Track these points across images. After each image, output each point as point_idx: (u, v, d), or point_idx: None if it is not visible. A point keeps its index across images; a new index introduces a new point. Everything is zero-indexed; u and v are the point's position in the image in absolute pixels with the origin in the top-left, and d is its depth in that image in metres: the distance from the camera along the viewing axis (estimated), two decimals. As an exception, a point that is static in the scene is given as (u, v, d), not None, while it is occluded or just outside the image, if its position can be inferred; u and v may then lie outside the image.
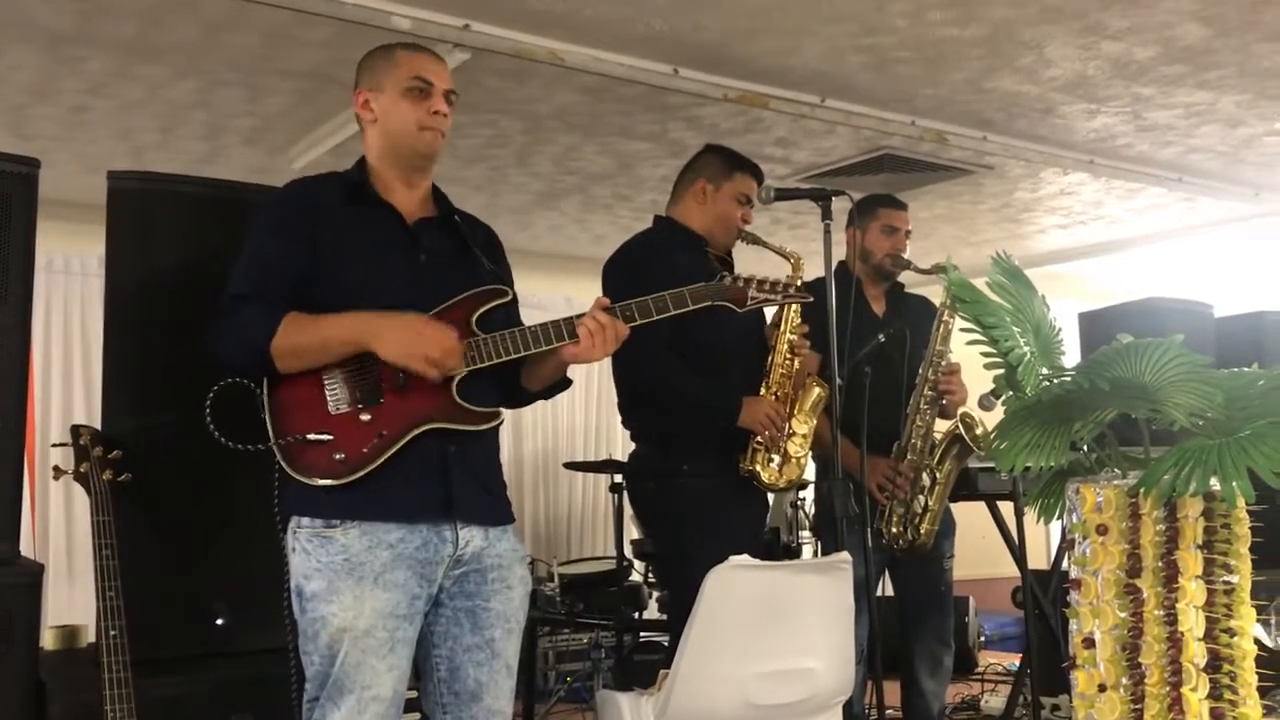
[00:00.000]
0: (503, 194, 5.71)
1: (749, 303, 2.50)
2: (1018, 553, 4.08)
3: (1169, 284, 7.05)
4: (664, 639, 4.76)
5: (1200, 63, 4.00)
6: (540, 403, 2.60)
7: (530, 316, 2.46)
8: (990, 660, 6.14)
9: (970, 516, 3.94)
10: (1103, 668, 2.31)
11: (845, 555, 2.74)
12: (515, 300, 2.46)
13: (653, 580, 5.21)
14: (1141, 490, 2.13)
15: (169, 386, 2.76)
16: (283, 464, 2.19)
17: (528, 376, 2.44)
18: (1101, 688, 2.33)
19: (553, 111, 4.50)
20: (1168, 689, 2.17)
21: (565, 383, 2.50)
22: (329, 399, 2.22)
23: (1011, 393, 2.59)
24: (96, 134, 4.68)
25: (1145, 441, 2.30)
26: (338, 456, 2.18)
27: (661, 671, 2.85)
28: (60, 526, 5.35)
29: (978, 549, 4.46)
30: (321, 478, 2.18)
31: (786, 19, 3.63)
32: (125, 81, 4.11)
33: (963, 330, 2.94)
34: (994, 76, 4.14)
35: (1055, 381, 2.25)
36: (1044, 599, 4.22)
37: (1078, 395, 2.16)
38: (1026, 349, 2.38)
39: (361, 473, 2.18)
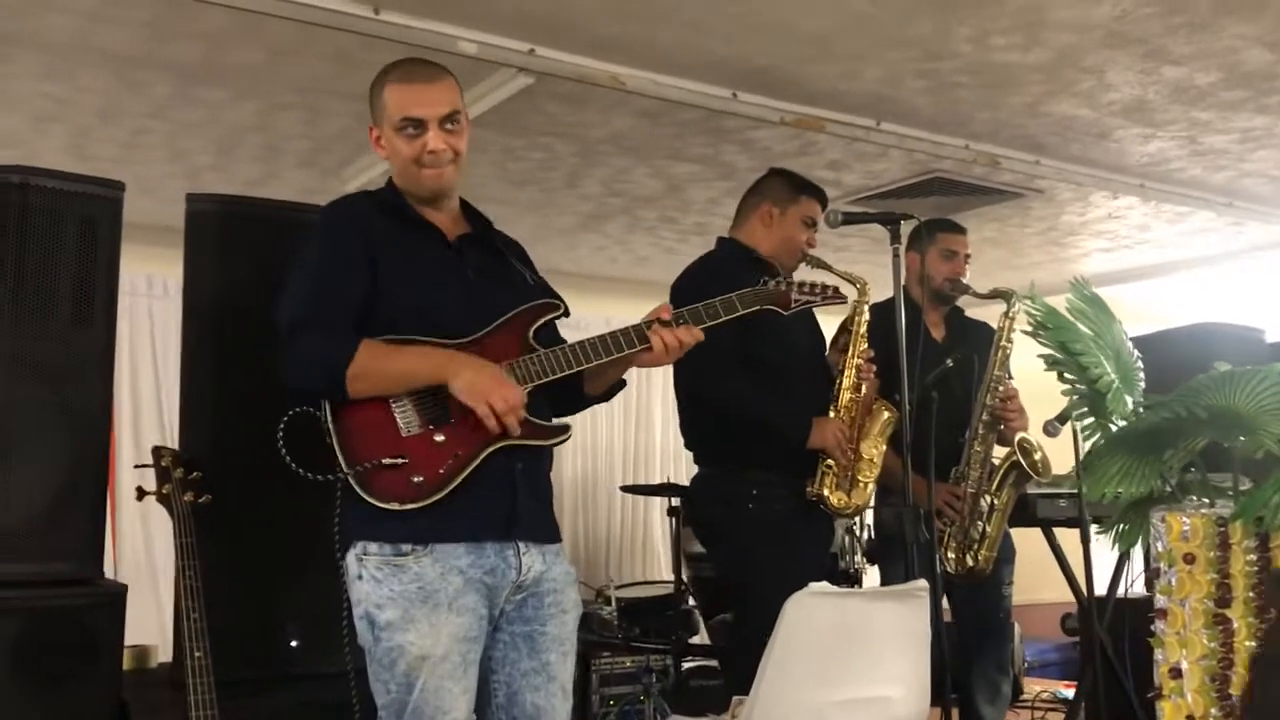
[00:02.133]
0: (550, 216, 5.74)
1: (793, 305, 2.55)
2: (1075, 581, 4.07)
3: (1213, 308, 7.00)
4: (709, 663, 4.75)
5: (1261, 88, 3.99)
6: (578, 426, 2.60)
7: (569, 337, 2.46)
8: (1036, 688, 6.08)
9: (1016, 542, 3.92)
10: (1190, 698, 2.29)
11: (923, 583, 2.73)
12: (566, 312, 2.47)
13: (697, 604, 5.19)
14: (1237, 519, 2.12)
15: (247, 408, 2.78)
16: (358, 490, 2.16)
17: (592, 383, 2.47)
18: (1189, 718, 2.31)
19: (607, 135, 4.52)
20: (1261, 721, 2.14)
21: (622, 384, 2.53)
22: (400, 422, 2.20)
23: (1093, 419, 2.58)
24: (153, 156, 4.72)
25: (1235, 471, 2.29)
26: (416, 479, 2.17)
27: (735, 697, 2.84)
28: (123, 545, 5.37)
29: (1021, 574, 4.44)
30: (400, 502, 2.16)
31: (850, 44, 3.64)
32: (187, 104, 4.15)
33: (1041, 356, 2.93)
34: (1052, 101, 4.14)
35: (1152, 409, 2.23)
36: (1100, 627, 4.18)
37: (1174, 423, 2.15)
38: (1114, 376, 2.37)
39: (441, 494, 2.17)
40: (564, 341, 2.37)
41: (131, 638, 3.32)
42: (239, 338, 2.81)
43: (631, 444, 7.23)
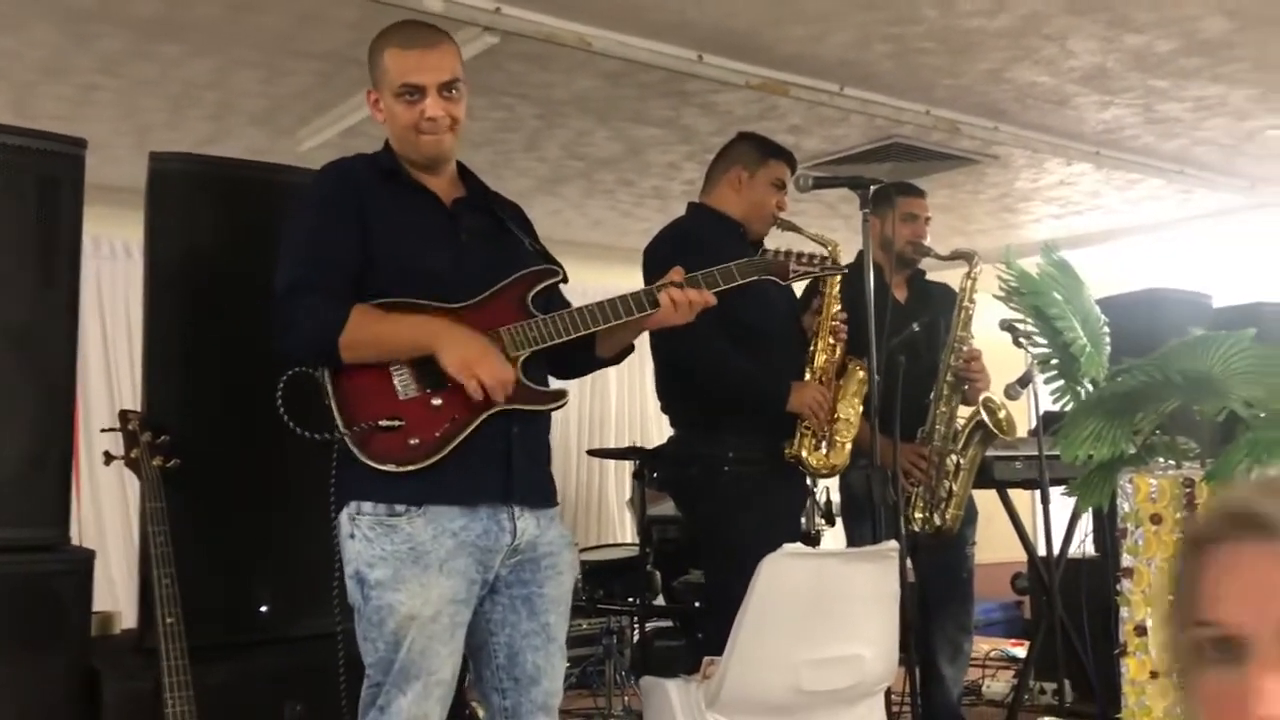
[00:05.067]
0: (506, 179, 5.66)
1: (790, 275, 2.58)
2: (1029, 541, 4.16)
3: (1160, 274, 7.12)
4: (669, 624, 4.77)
5: (1219, 56, 4.05)
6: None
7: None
8: (985, 646, 6.20)
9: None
10: (1154, 654, 2.35)
11: (894, 544, 2.77)
12: (565, 278, 2.47)
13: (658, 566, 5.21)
14: (1209, 481, 2.17)
15: (212, 371, 2.74)
16: (355, 451, 2.17)
17: (604, 345, 2.47)
18: (1153, 674, 2.37)
19: (570, 96, 4.47)
20: (1226, 675, 2.20)
21: (631, 348, 2.55)
22: (398, 386, 2.22)
23: (1063, 382, 2.62)
24: (102, 114, 4.60)
25: (1205, 434, 2.34)
26: (412, 442, 2.18)
27: (706, 658, 2.86)
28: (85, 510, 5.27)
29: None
30: (396, 464, 2.17)
31: (821, 5, 3.63)
32: (140, 60, 4.04)
33: (1014, 321, 2.94)
34: (1015, 67, 4.16)
35: (1128, 373, 2.27)
36: (1053, 586, 4.27)
37: (1148, 387, 2.19)
38: (1085, 340, 2.41)
39: (437, 457, 2.19)
40: (568, 306, 2.36)
41: (95, 604, 3.27)
42: (202, 298, 2.76)
43: (588, 410, 7.25)
